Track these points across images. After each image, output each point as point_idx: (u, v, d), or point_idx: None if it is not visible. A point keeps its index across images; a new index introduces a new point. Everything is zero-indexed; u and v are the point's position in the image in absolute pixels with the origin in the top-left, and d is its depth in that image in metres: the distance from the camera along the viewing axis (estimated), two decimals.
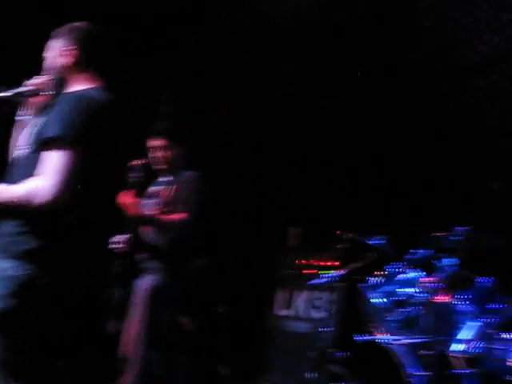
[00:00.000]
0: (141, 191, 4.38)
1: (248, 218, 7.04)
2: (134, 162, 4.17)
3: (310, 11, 6.13)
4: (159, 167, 4.52)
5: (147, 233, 4.37)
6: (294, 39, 6.28)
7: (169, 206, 4.32)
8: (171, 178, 4.47)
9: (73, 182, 2.53)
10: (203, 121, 6.71)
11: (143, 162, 4.24)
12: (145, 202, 4.46)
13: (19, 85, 2.90)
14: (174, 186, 4.37)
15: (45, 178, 2.51)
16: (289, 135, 6.94)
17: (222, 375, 6.51)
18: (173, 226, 4.25)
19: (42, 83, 2.89)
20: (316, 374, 4.62)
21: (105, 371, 5.26)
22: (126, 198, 4.09)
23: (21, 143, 2.78)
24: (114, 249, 4.29)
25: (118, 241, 4.29)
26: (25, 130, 2.82)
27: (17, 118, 2.97)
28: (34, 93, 2.89)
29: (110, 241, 4.32)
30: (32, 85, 2.88)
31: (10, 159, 2.92)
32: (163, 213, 4.30)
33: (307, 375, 4.85)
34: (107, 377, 5.17)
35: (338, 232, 4.97)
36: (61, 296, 2.61)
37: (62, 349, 2.79)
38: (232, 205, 6.84)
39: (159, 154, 4.45)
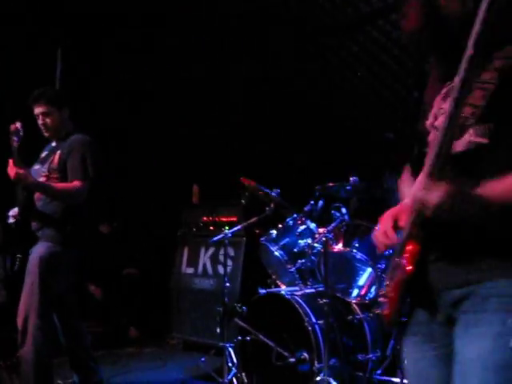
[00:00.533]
0: (23, 155, 4.24)
1: (150, 177, 7.00)
2: (14, 126, 4.02)
3: None
4: (46, 133, 4.39)
5: (40, 200, 4.24)
6: None
7: (56, 172, 4.20)
8: (58, 144, 4.34)
9: None
10: (92, 82, 6.57)
11: (21, 125, 4.08)
12: (34, 167, 4.33)
13: None
14: (59, 152, 4.25)
15: None
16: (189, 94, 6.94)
17: (132, 336, 6.52)
18: (64, 194, 4.14)
19: None
20: (223, 329, 4.66)
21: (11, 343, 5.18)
22: (10, 167, 3.97)
23: None
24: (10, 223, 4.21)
25: (13, 214, 4.20)
26: None
27: None
28: None
29: (8, 214, 4.22)
30: None
31: None
32: (52, 179, 4.19)
33: (215, 330, 4.89)
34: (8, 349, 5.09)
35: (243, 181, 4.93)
36: None
37: None
38: (133, 165, 6.78)
39: (43, 120, 4.32)
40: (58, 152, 4.25)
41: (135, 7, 6.23)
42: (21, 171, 3.99)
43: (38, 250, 4.12)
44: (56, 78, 6.35)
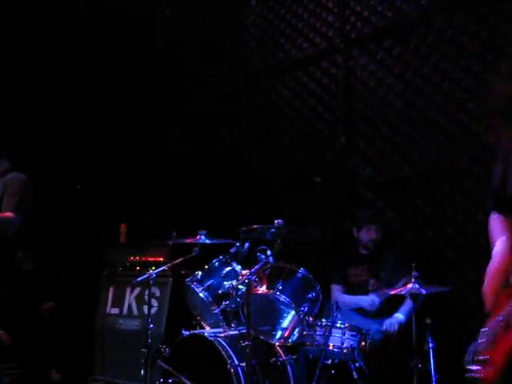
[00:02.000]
0: None
1: (77, 214, 6.92)
2: None
3: None
4: None
5: None
6: None
7: None
8: None
9: None
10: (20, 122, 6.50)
11: None
12: None
13: None
14: None
15: None
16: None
17: (54, 379, 6.34)
18: None
19: None
20: (147, 371, 4.59)
21: None
22: None
23: None
24: None
25: None
26: None
27: None
28: None
29: None
30: None
31: None
32: None
33: (139, 372, 4.82)
34: None
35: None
36: None
37: None
38: (59, 200, 6.70)
39: None
40: None
41: None
42: None
43: None
44: None
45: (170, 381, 4.26)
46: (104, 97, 6.92)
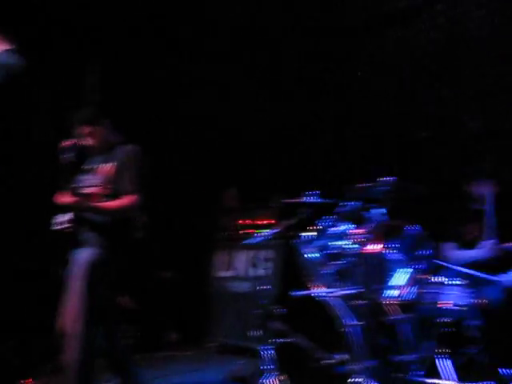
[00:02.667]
0: (75, 171, 4.34)
1: (188, 181, 7.04)
2: (65, 143, 4.11)
3: None
4: (93, 151, 4.49)
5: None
6: None
7: (110, 183, 4.28)
8: (106, 155, 4.41)
9: None
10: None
11: (74, 141, 4.19)
12: (81, 178, 4.42)
13: None
14: (110, 164, 4.32)
15: None
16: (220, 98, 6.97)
17: (170, 340, 6.56)
18: (119, 211, 4.22)
19: None
20: (259, 332, 4.66)
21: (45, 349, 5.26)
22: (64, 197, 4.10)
23: None
24: (58, 229, 4.28)
25: (62, 221, 4.27)
26: None
27: None
28: None
29: (54, 221, 4.30)
30: None
31: None
32: (105, 190, 4.26)
33: (251, 333, 4.90)
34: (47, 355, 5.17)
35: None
36: None
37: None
38: (168, 171, 6.82)
39: (85, 140, 4.41)
40: (110, 164, 4.31)
41: None
42: (76, 199, 4.10)
43: (86, 256, 4.17)
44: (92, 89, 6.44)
45: (285, 341, 4.28)
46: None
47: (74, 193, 4.14)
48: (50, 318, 4.37)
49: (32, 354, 5.49)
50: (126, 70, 6.72)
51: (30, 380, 4.61)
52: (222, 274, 6.13)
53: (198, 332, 6.35)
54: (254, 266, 5.81)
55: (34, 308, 5.59)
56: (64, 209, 4.24)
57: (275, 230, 4.83)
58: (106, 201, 4.25)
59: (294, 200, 4.81)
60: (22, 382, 5.01)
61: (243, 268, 5.93)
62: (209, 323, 6.15)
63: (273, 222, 5.71)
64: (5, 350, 5.46)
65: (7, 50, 2.80)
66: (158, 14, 6.63)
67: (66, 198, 4.12)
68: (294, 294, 4.33)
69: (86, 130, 4.40)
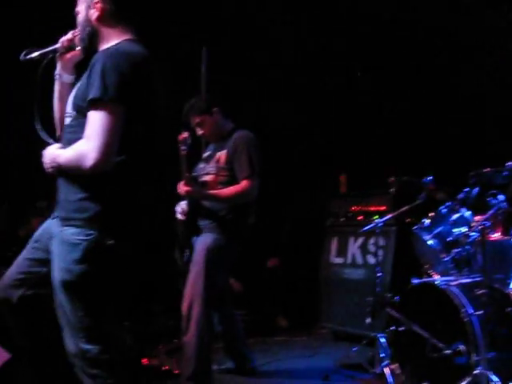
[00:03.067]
0: (191, 163, 4.44)
1: (298, 167, 7.05)
2: (182, 135, 4.22)
3: None
4: (208, 140, 4.58)
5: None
6: None
7: (224, 170, 4.34)
8: (221, 143, 4.48)
9: (116, 144, 2.54)
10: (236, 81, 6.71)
11: (188, 134, 4.28)
12: (199, 166, 4.51)
13: (54, 43, 2.90)
14: (225, 151, 4.39)
15: (88, 142, 2.54)
16: (335, 85, 6.91)
17: (281, 325, 6.60)
18: (235, 197, 4.28)
19: (73, 39, 2.88)
20: (374, 320, 4.61)
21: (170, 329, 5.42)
22: (181, 185, 4.23)
23: (67, 109, 2.81)
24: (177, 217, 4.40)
25: (181, 210, 4.39)
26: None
27: (55, 77, 2.98)
28: (68, 49, 2.90)
29: (175, 208, 4.42)
30: (64, 41, 2.89)
31: (56, 119, 2.97)
32: (220, 177, 4.33)
33: (365, 321, 4.85)
34: (172, 335, 5.32)
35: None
36: (123, 255, 2.69)
37: (126, 308, 2.86)
38: (280, 155, 6.85)
39: (200, 130, 4.49)
40: (224, 151, 4.38)
41: None
42: (191, 189, 4.20)
43: (204, 241, 4.27)
44: (201, 78, 6.53)
45: (401, 329, 4.21)
46: None
47: (189, 182, 4.22)
48: (171, 301, 4.51)
49: (148, 334, 5.66)
50: (232, 58, 6.79)
51: (146, 360, 4.75)
52: (334, 260, 6.10)
53: (309, 318, 6.36)
54: (367, 252, 5.75)
55: (155, 291, 5.77)
56: (183, 198, 4.36)
57: (389, 217, 4.75)
58: (222, 188, 4.32)
59: (409, 185, 4.72)
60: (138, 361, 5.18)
61: (355, 255, 5.87)
62: (320, 309, 6.14)
63: (386, 208, 5.61)
64: (121, 330, 5.66)
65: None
66: None
67: (183, 188, 4.22)
68: (411, 281, 4.25)
69: (199, 119, 4.47)
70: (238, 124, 4.56)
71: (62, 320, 2.66)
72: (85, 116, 2.62)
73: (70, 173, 2.64)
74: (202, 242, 4.29)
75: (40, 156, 2.77)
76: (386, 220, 4.68)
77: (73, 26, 2.91)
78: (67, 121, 2.79)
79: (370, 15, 6.40)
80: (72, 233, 2.60)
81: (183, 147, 4.21)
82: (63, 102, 2.92)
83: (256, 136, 4.46)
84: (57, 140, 2.83)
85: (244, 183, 4.26)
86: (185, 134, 4.24)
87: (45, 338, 2.83)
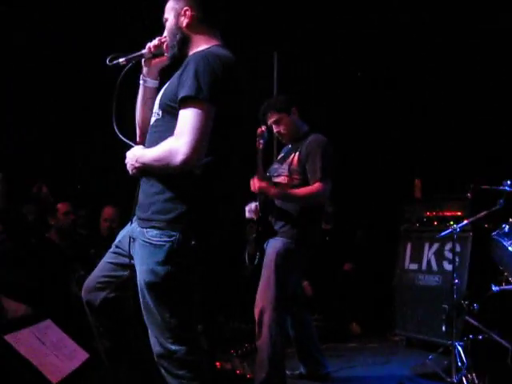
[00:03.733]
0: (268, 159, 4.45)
1: (371, 171, 6.98)
2: (260, 129, 4.25)
3: None
4: (283, 139, 4.58)
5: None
6: None
7: (297, 173, 4.33)
8: (295, 145, 4.47)
9: (206, 142, 2.56)
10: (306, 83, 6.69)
11: (266, 128, 4.31)
12: (274, 166, 4.52)
13: (141, 48, 2.93)
14: (298, 153, 4.37)
15: (179, 138, 2.56)
16: (409, 89, 6.82)
17: (354, 331, 6.53)
18: (306, 198, 4.26)
19: (160, 45, 2.92)
20: (450, 327, 4.51)
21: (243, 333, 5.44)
22: (254, 181, 4.23)
23: (154, 109, 2.84)
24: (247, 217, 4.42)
25: (250, 209, 4.41)
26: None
27: (140, 82, 3.01)
28: (155, 54, 2.93)
29: (246, 208, 4.44)
30: (151, 47, 2.92)
31: (138, 123, 3.00)
32: (292, 180, 4.32)
33: (441, 328, 4.75)
34: (243, 339, 5.34)
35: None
36: (205, 257, 2.71)
37: (203, 311, 2.88)
38: (354, 159, 6.80)
39: (277, 128, 4.49)
40: (297, 153, 4.37)
41: None
42: (263, 185, 4.21)
43: (275, 246, 4.26)
44: (273, 81, 6.56)
45: (481, 337, 4.11)
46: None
47: (263, 178, 4.23)
48: (244, 304, 4.52)
49: (220, 338, 5.69)
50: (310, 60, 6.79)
51: (218, 364, 4.76)
52: (408, 266, 5.99)
53: (382, 325, 6.27)
54: (443, 258, 5.62)
55: (229, 295, 5.81)
56: (255, 196, 4.36)
57: (466, 222, 4.63)
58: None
59: (486, 190, 4.60)
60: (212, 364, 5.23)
61: (431, 261, 5.75)
62: (394, 316, 6.04)
63: (462, 213, 5.47)
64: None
65: None
66: None
67: (256, 184, 4.22)
68: (491, 288, 4.15)
69: (277, 116, 4.47)
70: (312, 127, 4.53)
71: (148, 321, 2.68)
72: (171, 115, 2.65)
73: (155, 172, 2.66)
74: (273, 246, 4.28)
75: (115, 162, 2.81)
76: (463, 225, 4.56)
77: (157, 32, 2.96)
78: (153, 120, 2.83)
79: None
80: (155, 234, 2.61)
81: (261, 140, 4.24)
82: (146, 106, 2.97)
83: (330, 140, 4.43)
84: (136, 143, 2.87)
85: (316, 185, 4.23)
86: (263, 128, 4.28)
87: (124, 339, 2.87)
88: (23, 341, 3.39)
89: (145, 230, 2.65)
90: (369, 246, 6.93)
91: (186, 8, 2.82)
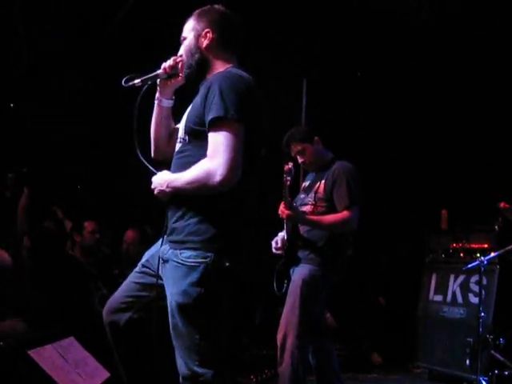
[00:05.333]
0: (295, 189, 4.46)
1: (397, 201, 6.94)
2: (287, 166, 4.27)
3: None
4: (308, 168, 4.59)
5: (305, 226, 4.38)
6: None
7: (323, 201, 4.33)
8: (320, 173, 4.47)
9: (240, 160, 2.57)
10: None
11: (292, 165, 4.33)
12: (300, 196, 4.52)
13: (157, 68, 2.94)
14: (323, 181, 4.37)
15: (213, 159, 2.56)
16: (436, 120, 6.80)
17: (375, 362, 6.46)
18: (334, 225, 4.25)
19: (175, 65, 2.92)
20: (475, 362, 4.43)
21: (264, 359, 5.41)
22: (281, 209, 4.23)
23: (178, 134, 2.86)
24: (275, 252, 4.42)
25: (276, 241, 4.41)
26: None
27: (155, 102, 3.02)
28: (170, 75, 2.93)
29: (272, 243, 4.44)
30: (167, 67, 2.92)
31: (153, 140, 3.02)
32: (318, 208, 4.32)
33: (465, 362, 4.68)
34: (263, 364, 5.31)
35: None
36: (236, 279, 2.71)
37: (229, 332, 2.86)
38: (383, 189, 6.77)
39: (301, 158, 4.50)
40: (323, 181, 4.36)
41: None
42: (291, 213, 4.21)
43: (301, 272, 4.24)
44: (302, 109, 6.57)
45: (506, 373, 4.04)
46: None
47: (290, 206, 4.24)
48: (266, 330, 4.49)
49: (240, 363, 5.67)
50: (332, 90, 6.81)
51: None
52: (433, 297, 5.92)
53: (405, 356, 6.19)
54: (468, 291, 5.55)
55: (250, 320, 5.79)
56: (283, 227, 4.36)
57: (495, 254, 4.58)
58: None
59: None
60: None
61: (456, 293, 5.68)
62: (417, 348, 5.96)
63: (489, 245, 5.41)
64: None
65: None
66: None
67: (284, 211, 4.22)
68: None
69: (300, 147, 4.48)
70: (338, 155, 4.53)
71: (177, 343, 2.66)
72: (198, 138, 2.67)
73: (187, 195, 2.66)
74: (299, 273, 4.26)
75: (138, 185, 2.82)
76: (492, 258, 4.52)
77: (171, 52, 2.98)
78: (178, 146, 2.84)
79: None
80: (189, 256, 2.61)
81: (288, 177, 4.24)
82: (160, 126, 3.00)
83: (355, 166, 4.42)
84: (154, 164, 2.88)
85: (344, 213, 4.21)
86: (290, 165, 4.28)
87: (146, 361, 2.86)
88: (46, 356, 3.40)
89: (178, 251, 2.64)
90: (393, 275, 6.86)
91: (207, 30, 2.84)
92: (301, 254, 4.32)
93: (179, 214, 2.69)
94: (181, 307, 2.60)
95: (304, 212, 4.37)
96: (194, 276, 2.57)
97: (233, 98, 2.58)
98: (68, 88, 6.33)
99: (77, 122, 6.34)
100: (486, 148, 6.50)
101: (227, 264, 2.60)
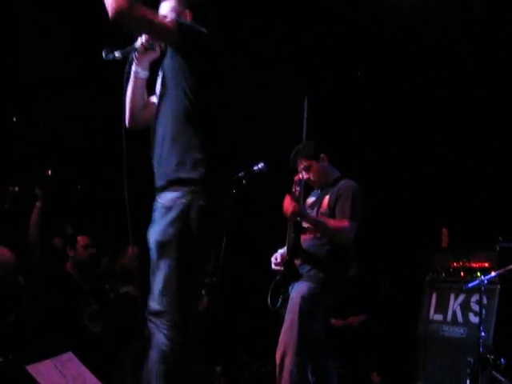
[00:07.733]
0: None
1: (397, 219, 6.94)
2: (297, 177, 4.38)
3: None
4: (314, 185, 4.60)
5: (306, 242, 4.38)
6: None
7: (325, 216, 4.34)
8: (325, 189, 4.49)
9: None
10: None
11: (303, 177, 4.36)
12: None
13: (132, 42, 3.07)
14: (327, 197, 4.39)
15: None
16: (440, 138, 6.81)
17: (374, 381, 6.41)
18: (334, 230, 4.25)
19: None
20: (475, 382, 4.40)
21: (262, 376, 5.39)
22: (287, 204, 4.25)
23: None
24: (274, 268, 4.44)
25: (276, 257, 4.42)
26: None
27: (132, 73, 3.14)
28: (147, 48, 3.07)
29: (272, 258, 4.45)
30: (144, 41, 3.04)
31: (128, 109, 3.17)
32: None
33: (466, 382, 4.64)
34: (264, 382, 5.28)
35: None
36: (217, 221, 2.92)
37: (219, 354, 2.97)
38: (383, 207, 6.76)
39: (307, 174, 4.52)
40: (327, 197, 4.39)
41: None
42: (297, 206, 4.25)
43: (300, 289, 4.24)
44: (303, 126, 6.58)
45: None
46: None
47: (295, 199, 4.26)
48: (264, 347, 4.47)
49: (239, 380, 5.64)
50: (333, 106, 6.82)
51: None
52: (433, 317, 5.89)
53: (404, 375, 6.14)
54: (469, 310, 5.53)
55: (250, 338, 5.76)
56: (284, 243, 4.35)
57: (495, 274, 4.57)
58: (321, 239, 4.32)
59: None
60: None
61: (456, 312, 5.65)
62: (416, 367, 5.92)
63: (489, 264, 5.40)
64: (213, 375, 5.65)
65: None
66: None
67: (289, 205, 4.22)
68: None
69: (306, 163, 4.50)
70: (343, 173, 4.55)
71: (153, 279, 2.82)
72: None
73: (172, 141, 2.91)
74: (298, 290, 4.26)
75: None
76: (492, 277, 4.51)
77: None
78: None
79: None
80: (169, 198, 2.82)
81: (297, 188, 4.28)
82: (137, 96, 3.17)
83: (360, 186, 4.44)
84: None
85: (344, 222, 4.24)
86: (300, 176, 4.32)
87: None
88: (44, 372, 3.39)
89: (161, 195, 2.89)
90: (393, 295, 6.83)
91: (187, 11, 3.05)
92: (301, 269, 4.32)
93: (162, 158, 2.92)
94: (158, 244, 2.80)
95: (308, 227, 4.38)
96: (171, 215, 2.78)
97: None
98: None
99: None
100: (488, 166, 6.49)
101: (203, 204, 2.78)
